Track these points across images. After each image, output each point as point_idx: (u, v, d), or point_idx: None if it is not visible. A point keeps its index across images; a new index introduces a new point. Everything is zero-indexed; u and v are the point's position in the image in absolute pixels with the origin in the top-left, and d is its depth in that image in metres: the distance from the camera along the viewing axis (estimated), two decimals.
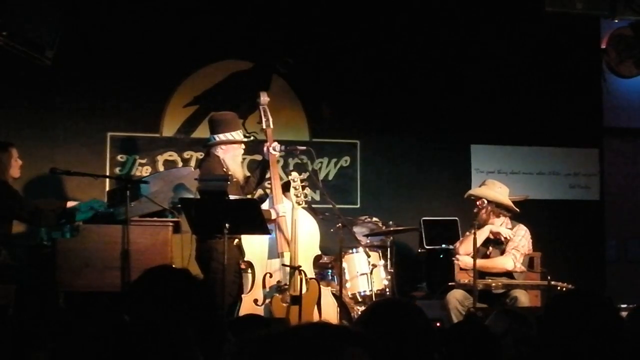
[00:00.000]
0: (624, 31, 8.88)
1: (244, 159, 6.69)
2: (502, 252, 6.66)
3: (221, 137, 6.20)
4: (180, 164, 7.86)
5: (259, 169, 6.42)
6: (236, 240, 6.02)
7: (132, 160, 7.89)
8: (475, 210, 6.71)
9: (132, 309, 2.16)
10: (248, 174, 6.63)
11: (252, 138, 6.77)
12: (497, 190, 6.72)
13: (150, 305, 2.15)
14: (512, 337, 3.25)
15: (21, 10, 6.63)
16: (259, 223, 5.63)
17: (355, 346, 1.38)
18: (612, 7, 8.07)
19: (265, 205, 6.05)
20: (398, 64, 8.40)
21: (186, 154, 7.97)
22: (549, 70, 8.73)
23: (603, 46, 8.96)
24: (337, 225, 6.36)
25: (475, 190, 6.93)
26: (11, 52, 6.68)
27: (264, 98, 6.36)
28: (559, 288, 6.12)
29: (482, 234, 6.55)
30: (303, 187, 6.07)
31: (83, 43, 7.65)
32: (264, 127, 6.31)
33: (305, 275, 5.86)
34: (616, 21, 8.58)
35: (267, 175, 6.33)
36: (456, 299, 6.36)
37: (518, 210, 6.76)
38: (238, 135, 6.27)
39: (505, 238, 6.63)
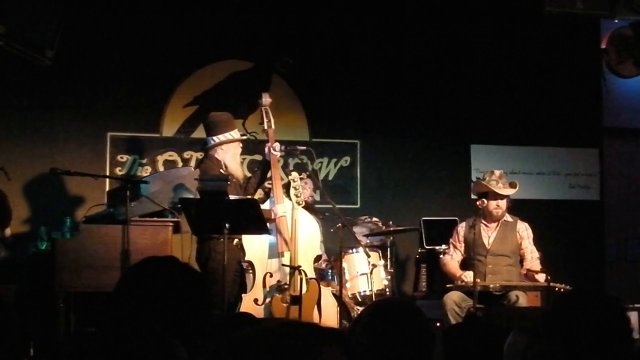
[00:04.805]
0: (624, 31, 8.87)
1: (243, 159, 6.68)
2: (510, 245, 6.62)
3: (221, 137, 6.19)
4: (180, 164, 7.85)
5: (260, 170, 6.41)
6: (236, 240, 6.01)
7: (132, 160, 7.89)
8: (478, 203, 6.63)
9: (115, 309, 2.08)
10: (249, 174, 6.63)
11: (251, 137, 6.75)
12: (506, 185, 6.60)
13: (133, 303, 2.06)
14: (532, 354, 3.22)
15: (21, 10, 6.62)
16: (259, 223, 5.63)
17: (332, 345, 1.35)
18: (612, 7, 8.06)
19: (266, 206, 6.05)
20: (398, 63, 8.40)
21: (186, 154, 7.96)
22: (549, 70, 8.72)
23: (603, 46, 8.95)
24: (337, 225, 6.36)
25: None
26: (11, 52, 6.68)
27: (266, 99, 6.36)
28: (557, 289, 6.09)
29: None
30: (300, 175, 6.07)
31: (83, 43, 7.64)
32: (266, 127, 6.29)
33: (306, 275, 5.85)
34: (616, 21, 8.58)
35: (268, 175, 6.33)
36: (453, 300, 6.32)
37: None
38: (236, 134, 6.28)
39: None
